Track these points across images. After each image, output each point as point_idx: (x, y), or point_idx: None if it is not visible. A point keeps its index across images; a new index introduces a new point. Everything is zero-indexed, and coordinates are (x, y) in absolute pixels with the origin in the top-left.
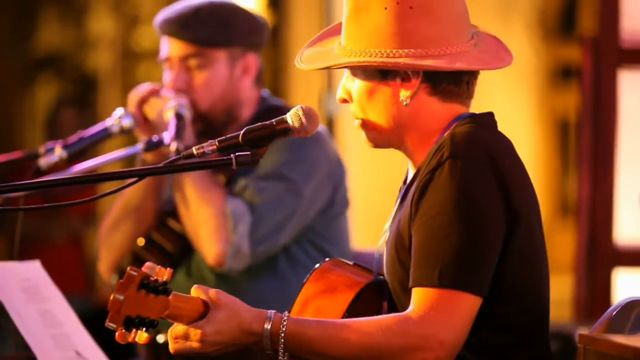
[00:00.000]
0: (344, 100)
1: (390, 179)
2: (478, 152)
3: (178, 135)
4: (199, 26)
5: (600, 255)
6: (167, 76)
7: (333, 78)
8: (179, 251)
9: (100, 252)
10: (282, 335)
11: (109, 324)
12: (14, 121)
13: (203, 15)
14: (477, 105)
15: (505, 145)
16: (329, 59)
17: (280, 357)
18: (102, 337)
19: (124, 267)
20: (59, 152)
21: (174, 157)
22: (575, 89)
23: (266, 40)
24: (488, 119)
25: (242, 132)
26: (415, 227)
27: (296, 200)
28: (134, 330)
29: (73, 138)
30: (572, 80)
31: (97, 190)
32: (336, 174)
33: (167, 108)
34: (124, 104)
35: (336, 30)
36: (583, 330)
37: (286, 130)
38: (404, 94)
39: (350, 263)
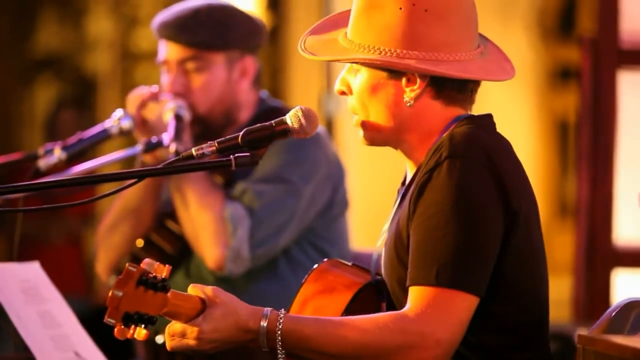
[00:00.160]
0: (343, 93)
1: (389, 180)
2: (476, 152)
3: (177, 136)
4: (197, 29)
5: (600, 256)
6: (165, 79)
7: (332, 79)
8: (177, 252)
9: (98, 253)
10: (279, 332)
11: (108, 320)
12: (13, 122)
13: (201, 19)
14: (477, 106)
15: (503, 146)
16: (336, 51)
17: (279, 355)
18: (102, 338)
19: (122, 268)
20: (58, 154)
21: (173, 159)
22: (575, 89)
23: (264, 42)
24: (487, 120)
25: (241, 133)
26: (413, 226)
27: (296, 202)
28: (132, 326)
29: (72, 139)
30: (572, 81)
31: (97, 192)
32: (335, 175)
33: (167, 109)
34: (123, 105)
35: (339, 21)
36: (582, 331)
37: (285, 132)
38: (409, 95)
39: (349, 264)
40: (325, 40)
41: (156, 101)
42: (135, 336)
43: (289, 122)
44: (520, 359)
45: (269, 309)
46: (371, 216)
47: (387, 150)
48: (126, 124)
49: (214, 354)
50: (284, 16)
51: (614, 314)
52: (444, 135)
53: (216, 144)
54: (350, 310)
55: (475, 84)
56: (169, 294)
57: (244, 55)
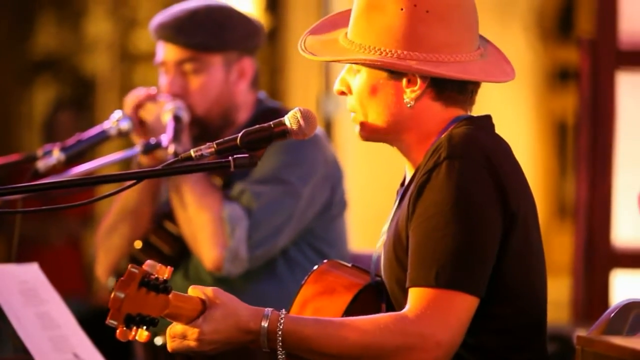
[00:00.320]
0: (342, 93)
1: (388, 181)
2: (475, 153)
3: (176, 137)
4: (195, 31)
5: (598, 257)
6: (163, 80)
7: (331, 80)
8: (176, 254)
9: (97, 255)
10: (280, 333)
11: (110, 322)
12: (12, 124)
13: (198, 20)
14: (476, 106)
15: (502, 147)
16: (337, 51)
17: (279, 356)
18: (101, 339)
19: (121, 270)
20: (56, 155)
21: (172, 160)
22: (573, 90)
23: (262, 44)
24: (486, 121)
25: (240, 134)
26: (412, 227)
27: (294, 203)
28: (134, 328)
29: (71, 141)
30: (570, 82)
31: (95, 193)
32: (333, 176)
33: (165, 110)
34: (121, 106)
35: (339, 20)
36: (581, 332)
37: (284, 133)
38: (409, 95)
39: (349, 265)
40: (326, 40)
41: (154, 102)
42: (137, 338)
43: (287, 123)
44: None
45: (270, 309)
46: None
47: (386, 152)
48: (125, 125)
49: (215, 355)
50: (282, 17)
51: (612, 315)
52: (443, 136)
53: (215, 145)
54: (350, 311)
55: (476, 85)
56: (170, 296)
57: (242, 57)
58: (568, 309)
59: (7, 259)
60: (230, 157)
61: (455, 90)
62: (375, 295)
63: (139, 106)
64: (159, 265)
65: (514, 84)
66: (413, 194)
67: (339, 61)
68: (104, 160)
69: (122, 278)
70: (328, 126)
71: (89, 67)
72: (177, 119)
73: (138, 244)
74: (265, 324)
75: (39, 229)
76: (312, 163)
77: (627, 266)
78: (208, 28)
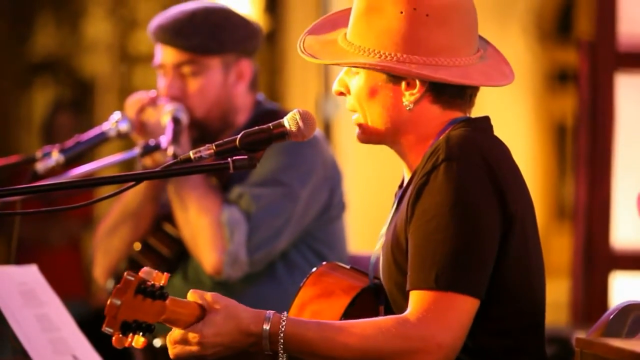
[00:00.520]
0: (341, 93)
1: (387, 183)
2: (473, 154)
3: (175, 139)
4: (193, 33)
5: (597, 259)
6: (162, 83)
7: (330, 82)
8: (175, 256)
9: (96, 256)
10: (282, 335)
11: (106, 329)
12: (11, 125)
13: (197, 22)
14: (474, 108)
15: (500, 149)
16: (336, 54)
17: (280, 358)
18: (100, 342)
19: (120, 272)
20: (56, 157)
21: (171, 162)
22: (572, 92)
23: (261, 46)
24: (484, 122)
25: (239, 136)
26: (411, 230)
27: (293, 205)
28: (130, 334)
29: (70, 142)
30: (569, 83)
31: (95, 195)
32: (332, 178)
33: (164, 112)
34: (121, 108)
35: (338, 20)
36: (580, 334)
37: (283, 135)
38: (408, 99)
39: (347, 267)
40: (325, 41)
41: (154, 105)
42: (133, 344)
43: (286, 125)
44: None
45: (271, 312)
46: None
47: (385, 153)
48: (124, 126)
49: (215, 359)
50: (281, 19)
51: (611, 317)
52: (441, 137)
53: (214, 147)
54: (348, 314)
55: (475, 88)
56: (167, 301)
57: (241, 59)
58: (567, 310)
59: (7, 260)
60: (229, 159)
61: (454, 94)
62: (373, 298)
63: (140, 111)
64: (155, 272)
65: (513, 86)
66: (411, 196)
67: (338, 64)
68: (103, 162)
69: (118, 285)
70: (327, 128)
71: (88, 68)
72: (176, 120)
73: (137, 246)
74: (266, 326)
75: (39, 231)
76: (311, 165)
77: (626, 268)
78: (206, 30)
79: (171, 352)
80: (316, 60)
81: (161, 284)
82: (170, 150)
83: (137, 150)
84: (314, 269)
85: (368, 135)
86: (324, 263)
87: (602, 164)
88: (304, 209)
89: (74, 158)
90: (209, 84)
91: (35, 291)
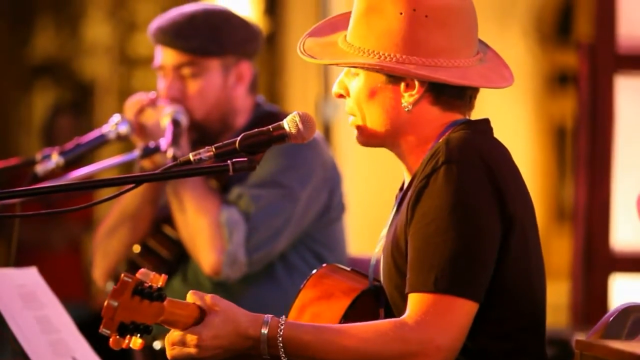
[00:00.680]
0: (340, 96)
1: (387, 185)
2: (472, 157)
3: (175, 141)
4: (193, 35)
5: (597, 261)
6: (161, 84)
7: (330, 84)
8: (174, 258)
9: (95, 258)
10: (280, 339)
11: (103, 330)
12: (11, 128)
13: (197, 24)
14: (474, 110)
15: (500, 151)
16: (336, 55)
17: None
18: (100, 343)
19: (119, 274)
20: (55, 159)
21: (170, 164)
22: (572, 94)
23: (260, 48)
24: (484, 125)
25: (238, 138)
26: (411, 232)
27: (292, 207)
28: (128, 336)
29: (70, 144)
30: (569, 86)
31: (95, 197)
32: (332, 179)
33: (164, 114)
34: (120, 110)
35: (338, 23)
36: (580, 336)
37: (283, 137)
38: (407, 100)
39: (348, 269)
40: (325, 43)
41: (154, 107)
42: (131, 346)
43: (286, 127)
44: None
45: (270, 315)
46: (369, 221)
47: (386, 156)
48: (124, 129)
49: None
50: (281, 21)
51: (611, 319)
52: (441, 140)
53: (213, 149)
54: (348, 316)
55: (474, 90)
56: (165, 303)
57: (240, 61)
58: (567, 312)
59: (7, 263)
60: (229, 161)
61: (453, 95)
62: (373, 300)
63: (139, 112)
64: (152, 274)
65: (512, 88)
66: (411, 199)
67: (337, 64)
68: (103, 164)
69: (115, 287)
70: (327, 130)
71: (88, 71)
72: (175, 123)
73: (136, 248)
74: (265, 330)
75: (40, 233)
76: (310, 166)
77: (626, 270)
78: (206, 32)
79: (169, 353)
80: (315, 61)
81: (159, 286)
82: (170, 153)
83: (136, 153)
84: (314, 271)
85: (367, 137)
86: (325, 265)
87: (602, 166)
88: (304, 210)
89: (74, 160)
90: (208, 85)
91: (35, 293)
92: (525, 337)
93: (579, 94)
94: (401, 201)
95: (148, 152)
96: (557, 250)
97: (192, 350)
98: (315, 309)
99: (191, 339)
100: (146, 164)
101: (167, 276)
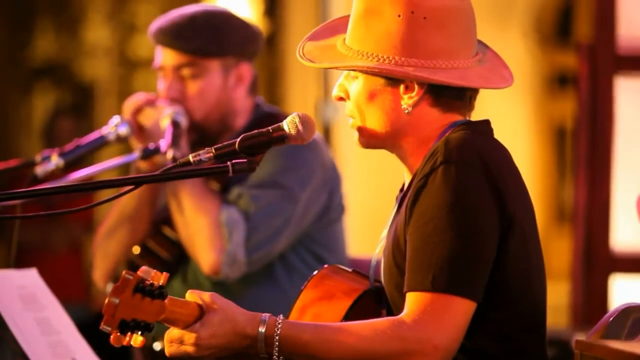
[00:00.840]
0: (340, 99)
1: (387, 186)
2: (471, 157)
3: (174, 142)
4: (193, 36)
5: (597, 262)
6: (161, 85)
7: (330, 85)
8: (174, 259)
9: (95, 260)
10: (277, 338)
11: (104, 327)
12: (12, 130)
13: (197, 25)
14: (474, 111)
15: (499, 152)
16: (335, 58)
17: None
18: (100, 345)
19: (119, 275)
20: (55, 160)
21: (170, 165)
22: (572, 95)
23: (261, 49)
24: (484, 125)
25: (238, 139)
26: (409, 232)
27: (292, 207)
28: (128, 333)
29: (69, 146)
30: (569, 87)
31: (95, 198)
32: (331, 180)
33: (164, 116)
34: (120, 112)
35: (337, 26)
36: (580, 336)
37: (282, 138)
38: (407, 102)
39: (349, 270)
40: (324, 46)
41: (153, 107)
42: (131, 343)
43: (286, 128)
44: None
45: (267, 314)
46: (369, 222)
47: (386, 157)
48: (123, 130)
49: None
50: (281, 22)
51: (611, 319)
52: (440, 140)
53: (213, 150)
54: (349, 317)
55: (474, 91)
56: (166, 301)
57: (240, 62)
58: (567, 313)
59: (7, 264)
60: (228, 162)
61: (453, 97)
62: (374, 301)
63: (138, 111)
64: (153, 271)
65: (513, 89)
66: (410, 199)
67: (336, 68)
68: (103, 166)
69: (116, 284)
70: (327, 131)
71: (88, 73)
72: (175, 124)
73: (136, 250)
74: (262, 329)
75: (40, 235)
76: (310, 167)
77: (625, 270)
78: (206, 33)
79: (167, 350)
80: (314, 65)
81: (160, 284)
82: (170, 154)
83: (136, 154)
84: (316, 272)
85: (367, 139)
86: (326, 266)
87: (602, 167)
88: (303, 211)
89: (74, 162)
90: (208, 86)
91: (35, 295)
92: (526, 337)
93: (579, 95)
94: (401, 202)
95: (148, 154)
96: (557, 251)
97: (190, 349)
98: (317, 310)
99: (189, 337)
100: (142, 165)
101: (168, 275)
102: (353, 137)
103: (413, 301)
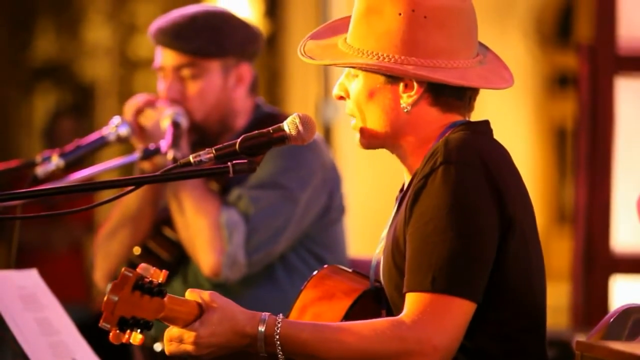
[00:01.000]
0: (341, 97)
1: (386, 186)
2: (471, 158)
3: (175, 143)
4: (193, 36)
5: (598, 262)
6: (161, 86)
7: (330, 86)
8: (175, 260)
9: (96, 260)
10: (277, 337)
11: (103, 324)
12: (12, 130)
13: (197, 26)
14: (474, 112)
15: (499, 152)
16: (335, 56)
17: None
18: (100, 345)
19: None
20: (56, 161)
21: (171, 166)
22: (572, 96)
23: (261, 50)
24: (484, 126)
25: (238, 140)
26: (409, 232)
27: (292, 208)
28: (128, 331)
29: (70, 147)
30: (569, 87)
31: (96, 199)
32: (331, 180)
33: (164, 116)
34: (121, 112)
35: (339, 26)
36: (580, 337)
37: (283, 138)
38: (406, 100)
39: (349, 270)
40: (325, 45)
41: (154, 108)
42: (130, 341)
43: (286, 129)
44: None
45: (267, 313)
46: (369, 222)
47: (386, 157)
48: (124, 131)
49: (210, 359)
50: (281, 23)
51: (612, 320)
52: (440, 141)
53: (213, 151)
54: (349, 317)
55: (474, 91)
56: (165, 299)
57: (240, 63)
58: (567, 314)
59: (7, 265)
60: (229, 163)
61: (453, 96)
62: (374, 301)
63: (138, 112)
64: (153, 269)
65: (513, 90)
66: (410, 199)
67: (336, 65)
68: (104, 166)
69: (115, 281)
70: (327, 132)
71: (89, 73)
72: (176, 124)
73: (137, 250)
74: (262, 328)
75: (41, 235)
76: (310, 168)
77: (626, 271)
78: (206, 34)
79: (167, 348)
80: (315, 62)
81: (159, 281)
82: (170, 154)
83: (137, 155)
84: (316, 272)
85: (368, 139)
86: (326, 266)
87: (602, 168)
88: (303, 212)
89: (74, 162)
90: (208, 87)
91: (35, 295)
92: (526, 337)
93: (579, 96)
94: (401, 202)
95: (148, 154)
96: (558, 252)
97: (189, 348)
98: (317, 310)
99: (188, 336)
100: (146, 165)
101: (167, 272)
102: (354, 138)
103: (413, 302)
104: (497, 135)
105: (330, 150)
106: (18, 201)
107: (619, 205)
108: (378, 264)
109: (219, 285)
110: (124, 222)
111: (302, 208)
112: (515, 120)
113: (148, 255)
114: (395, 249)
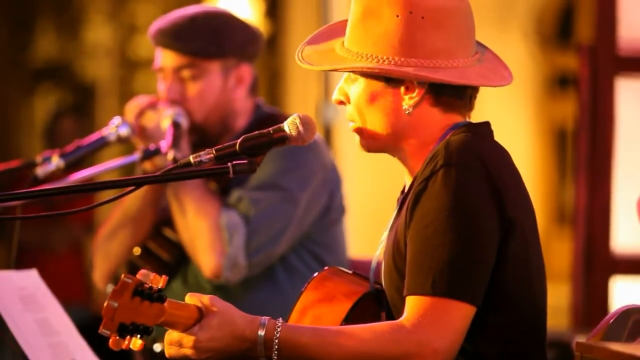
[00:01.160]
0: (341, 102)
1: (388, 187)
2: (471, 160)
3: (175, 143)
4: (193, 37)
5: (598, 263)
6: (161, 86)
7: (330, 86)
8: (175, 260)
9: (95, 261)
10: (276, 341)
11: (103, 331)
12: (13, 131)
13: (197, 26)
14: (474, 113)
15: (499, 154)
16: (334, 60)
17: None
18: (100, 346)
19: (119, 276)
20: (56, 161)
21: (171, 166)
22: (573, 97)
23: (261, 50)
24: (484, 128)
25: (239, 140)
26: (409, 235)
27: (292, 209)
28: (127, 337)
29: (70, 147)
30: (570, 88)
31: (96, 199)
32: (332, 181)
33: (165, 117)
34: (121, 112)
35: (336, 30)
36: (580, 338)
37: (283, 139)
38: (407, 102)
39: (349, 272)
40: (323, 50)
41: (154, 109)
42: (130, 346)
43: (286, 129)
44: None
45: (267, 317)
46: (370, 224)
47: (386, 158)
48: (124, 131)
49: None
50: (282, 24)
51: (611, 321)
52: (441, 143)
53: (214, 152)
54: (349, 319)
55: (474, 90)
56: (165, 304)
57: (240, 63)
58: (567, 315)
59: (7, 265)
60: (229, 163)
61: (453, 96)
62: (375, 303)
63: (140, 114)
64: (153, 275)
65: (513, 91)
66: (410, 201)
67: (336, 70)
68: (104, 167)
69: (115, 287)
70: (327, 133)
71: (89, 73)
72: (176, 125)
73: (137, 251)
74: (261, 332)
75: (42, 236)
76: (310, 169)
77: (626, 272)
78: (206, 34)
79: (167, 352)
80: (314, 67)
81: (159, 287)
82: (171, 155)
83: (137, 155)
84: (316, 274)
85: (369, 142)
86: (326, 268)
87: (603, 168)
88: (304, 213)
89: (74, 163)
90: (208, 87)
91: (35, 296)
92: (526, 340)
93: (580, 96)
94: (402, 204)
95: (149, 155)
96: (558, 253)
97: (189, 352)
98: (317, 312)
99: (188, 340)
100: (146, 166)
101: (167, 277)
102: (353, 137)
103: (413, 305)
104: (498, 136)
105: (330, 150)
106: (18, 201)
107: (619, 206)
108: (378, 265)
109: (219, 287)
110: (124, 223)
111: (303, 209)
112: (515, 121)
113: (148, 256)
114: (396, 251)
